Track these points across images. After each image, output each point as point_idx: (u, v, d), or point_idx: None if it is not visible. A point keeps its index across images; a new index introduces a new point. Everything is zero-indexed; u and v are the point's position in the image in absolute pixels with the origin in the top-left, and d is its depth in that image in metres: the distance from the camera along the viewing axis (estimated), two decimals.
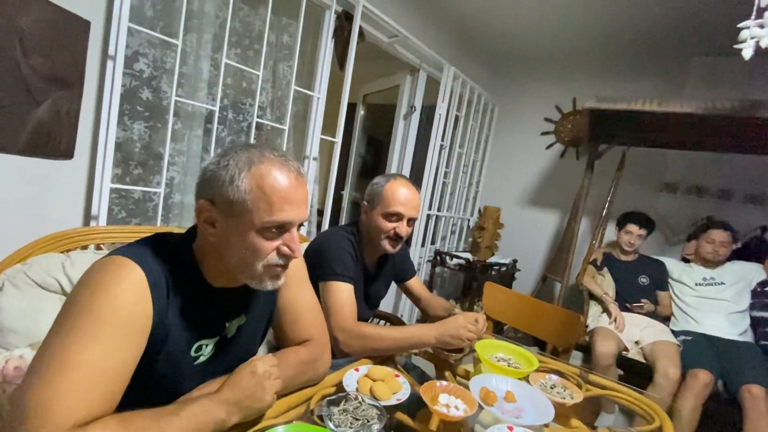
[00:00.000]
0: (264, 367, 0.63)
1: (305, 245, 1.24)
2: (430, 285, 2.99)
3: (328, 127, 1.94)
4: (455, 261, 2.86)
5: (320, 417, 0.71)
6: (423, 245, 2.85)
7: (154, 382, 0.62)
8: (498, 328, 2.24)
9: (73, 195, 1.27)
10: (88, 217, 1.29)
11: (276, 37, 1.79)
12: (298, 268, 0.88)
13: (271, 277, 0.67)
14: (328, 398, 0.75)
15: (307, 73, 1.93)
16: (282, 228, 0.64)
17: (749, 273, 2.15)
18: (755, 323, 2.05)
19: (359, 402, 0.74)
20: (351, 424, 0.68)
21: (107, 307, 0.52)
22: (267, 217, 0.61)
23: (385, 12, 1.99)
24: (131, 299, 0.55)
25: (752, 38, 0.97)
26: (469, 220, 3.38)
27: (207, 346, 0.69)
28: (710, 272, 2.20)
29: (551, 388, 0.94)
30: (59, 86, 1.15)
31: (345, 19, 1.85)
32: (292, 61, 1.74)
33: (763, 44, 0.97)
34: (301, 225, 0.68)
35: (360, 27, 1.88)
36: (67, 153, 1.21)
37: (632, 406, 1.01)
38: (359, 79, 3.08)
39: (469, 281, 2.83)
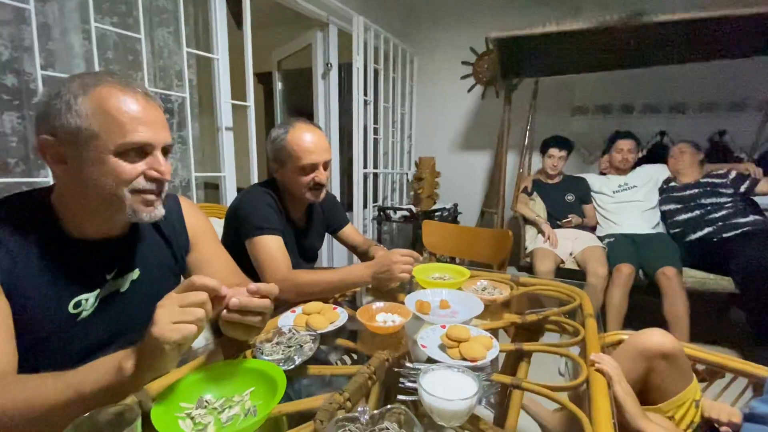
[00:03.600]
0: (162, 300, 0.51)
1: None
2: (378, 242, 3.02)
3: (242, 96, 1.82)
4: (399, 214, 2.90)
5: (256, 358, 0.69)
6: (365, 206, 2.85)
7: (38, 344, 0.60)
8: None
9: None
10: None
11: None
12: (202, 223, 0.86)
13: (145, 204, 0.63)
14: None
15: (203, 37, 1.78)
16: (142, 151, 0.61)
17: (656, 173, 2.40)
18: (664, 216, 2.31)
19: (293, 333, 0.73)
20: (283, 352, 0.67)
21: None
22: (120, 139, 0.58)
23: None
24: None
25: None
26: (407, 174, 3.42)
27: (87, 300, 0.65)
28: (624, 179, 2.42)
29: (482, 290, 0.99)
30: None
31: None
32: (178, 23, 1.59)
33: None
34: (167, 151, 0.66)
35: None
36: None
37: (558, 295, 1.10)
38: (270, 45, 2.93)
39: (415, 232, 2.90)
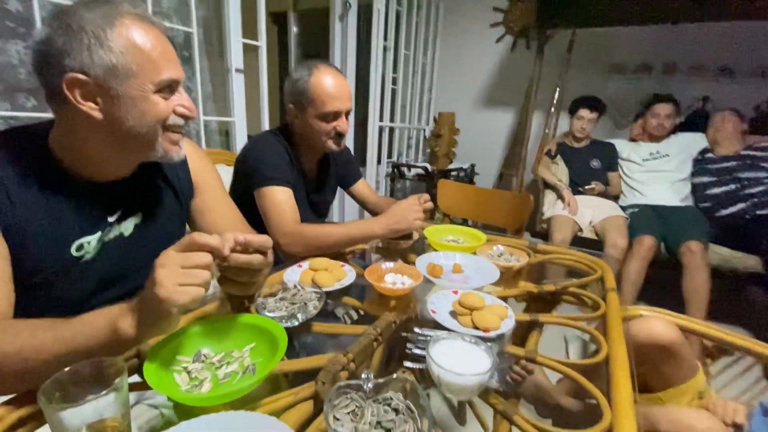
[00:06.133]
0: (162, 258, 0.47)
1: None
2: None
3: (255, 36, 1.69)
4: (414, 172, 2.82)
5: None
6: (379, 162, 2.76)
7: (41, 287, 0.59)
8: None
9: None
10: None
11: None
12: (206, 167, 0.82)
13: (171, 143, 0.63)
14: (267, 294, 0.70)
15: None
16: (170, 87, 0.60)
17: (692, 143, 2.23)
18: (696, 189, 2.18)
19: (297, 290, 0.70)
20: (286, 308, 0.64)
21: None
22: (157, 77, 0.57)
23: None
24: None
25: None
26: (424, 129, 3.28)
27: (89, 243, 0.62)
28: (656, 146, 2.26)
29: (498, 256, 0.94)
30: None
31: None
32: None
33: None
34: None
35: None
36: None
37: (577, 265, 1.04)
38: None
39: (429, 191, 2.83)
